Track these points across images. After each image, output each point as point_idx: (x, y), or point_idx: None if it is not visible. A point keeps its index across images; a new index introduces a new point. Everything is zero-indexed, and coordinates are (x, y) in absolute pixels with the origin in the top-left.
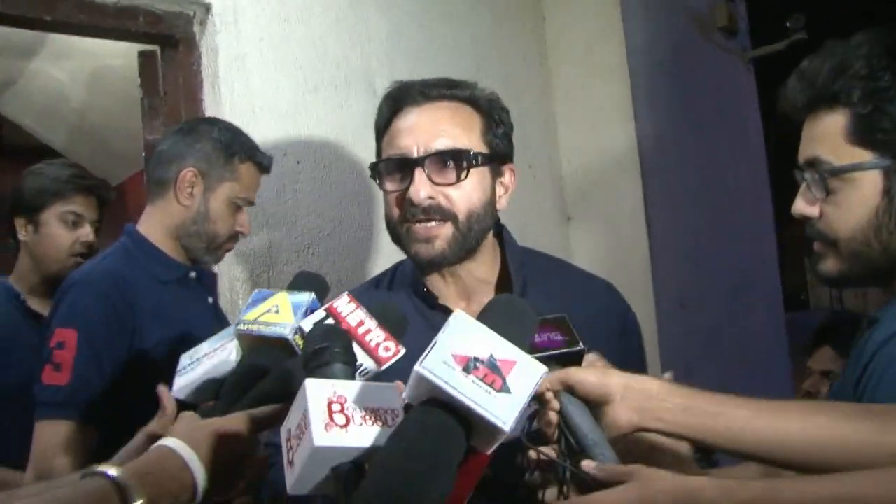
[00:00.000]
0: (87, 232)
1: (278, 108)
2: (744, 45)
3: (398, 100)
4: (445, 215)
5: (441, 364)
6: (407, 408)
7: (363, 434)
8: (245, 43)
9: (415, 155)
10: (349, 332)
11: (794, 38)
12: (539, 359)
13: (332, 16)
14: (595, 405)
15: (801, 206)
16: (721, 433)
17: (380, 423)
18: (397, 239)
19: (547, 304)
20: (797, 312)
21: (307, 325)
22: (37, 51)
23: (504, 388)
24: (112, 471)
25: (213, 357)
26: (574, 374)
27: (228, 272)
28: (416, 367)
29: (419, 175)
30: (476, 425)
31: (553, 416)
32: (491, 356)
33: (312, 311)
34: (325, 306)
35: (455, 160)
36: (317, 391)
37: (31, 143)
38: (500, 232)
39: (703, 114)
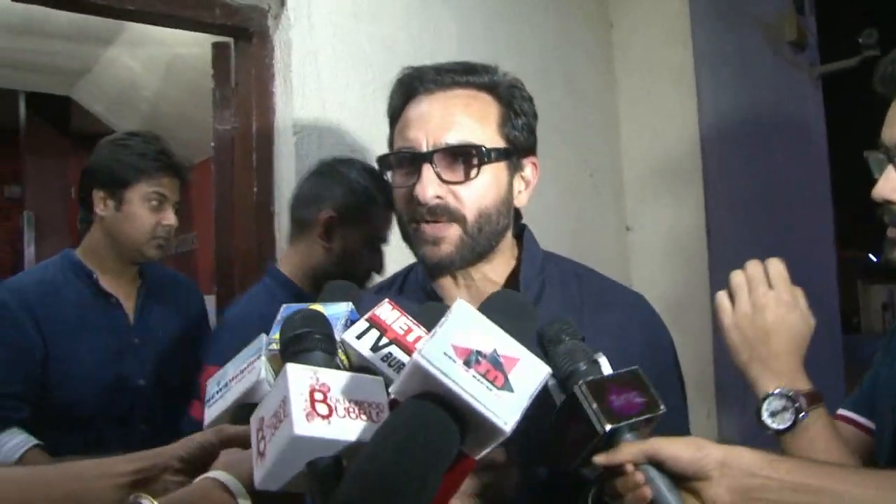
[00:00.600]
0: (169, 215)
1: (347, 103)
2: (813, 59)
3: (410, 86)
4: (453, 216)
5: (441, 355)
6: (392, 404)
7: (346, 427)
8: (317, 38)
9: (423, 149)
10: (397, 341)
11: (866, 54)
12: (620, 427)
13: (403, 14)
14: (685, 482)
15: (886, 189)
16: None
17: (364, 418)
18: (406, 238)
19: (564, 310)
20: (850, 336)
21: (349, 337)
22: (112, 39)
23: (506, 386)
24: None
25: (241, 381)
26: (665, 447)
27: None
28: (414, 356)
29: (427, 172)
30: (472, 425)
31: (639, 500)
32: (494, 351)
33: (352, 323)
34: (367, 315)
35: (466, 156)
36: (298, 377)
37: (101, 130)
38: (522, 233)
39: (768, 127)
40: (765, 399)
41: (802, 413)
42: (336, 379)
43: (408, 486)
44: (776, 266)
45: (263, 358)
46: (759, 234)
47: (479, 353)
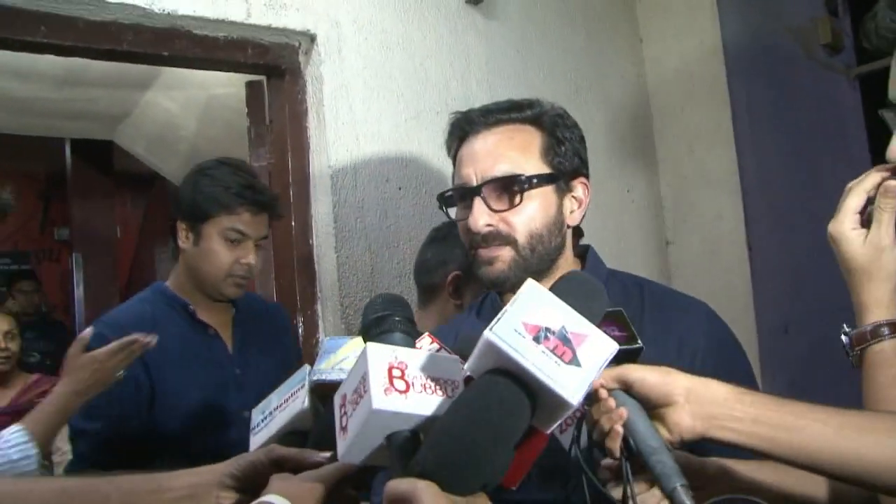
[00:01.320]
0: (248, 253)
1: (381, 134)
2: (848, 61)
3: (460, 129)
4: (505, 240)
5: (511, 332)
6: (467, 381)
7: (423, 402)
8: (348, 71)
9: (473, 183)
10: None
11: None
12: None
13: (433, 43)
14: (653, 407)
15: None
16: (796, 450)
17: (440, 393)
18: (472, 264)
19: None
20: None
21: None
22: (150, 83)
23: (574, 361)
24: None
25: (285, 409)
26: (633, 370)
27: (332, 297)
28: (486, 333)
29: (478, 204)
30: (542, 399)
31: (612, 421)
32: (563, 328)
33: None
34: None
35: (509, 185)
36: (378, 355)
37: (142, 171)
38: (585, 253)
39: (805, 132)
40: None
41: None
42: (414, 357)
43: (480, 455)
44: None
45: (307, 387)
46: (802, 242)
47: (548, 329)
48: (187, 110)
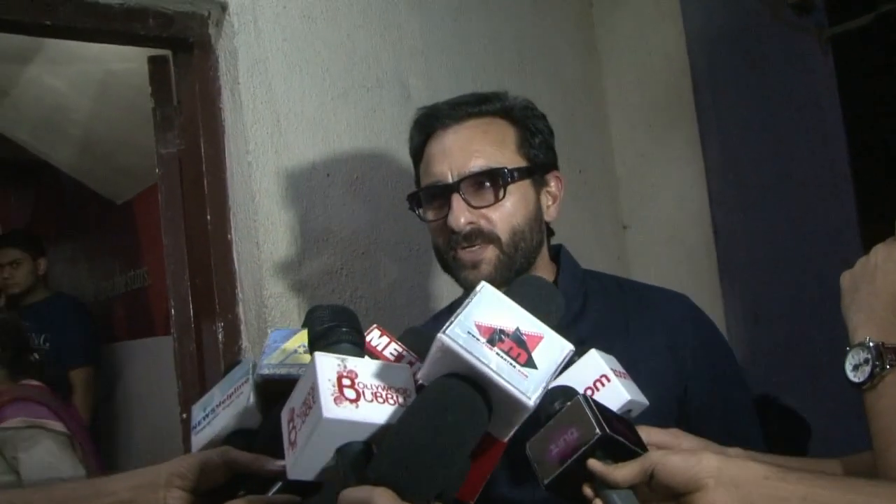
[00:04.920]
0: None
1: (305, 115)
2: (820, 22)
3: (426, 125)
4: (488, 238)
5: (465, 334)
6: (419, 389)
7: (374, 411)
8: (266, 45)
9: (449, 180)
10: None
11: (883, 9)
12: (611, 439)
13: (360, 12)
14: (678, 495)
15: None
16: None
17: (392, 401)
18: (446, 266)
19: (610, 316)
20: None
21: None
22: (30, 57)
23: (529, 363)
24: None
25: (229, 406)
26: (652, 455)
27: (254, 297)
28: (439, 336)
29: (456, 201)
30: (497, 403)
31: None
32: (517, 329)
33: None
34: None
35: (491, 180)
36: (326, 364)
37: (27, 159)
38: (558, 253)
39: (773, 102)
40: (851, 349)
41: (879, 367)
42: (363, 366)
43: (436, 459)
44: None
45: (250, 385)
46: (772, 222)
47: (502, 331)
48: (79, 89)
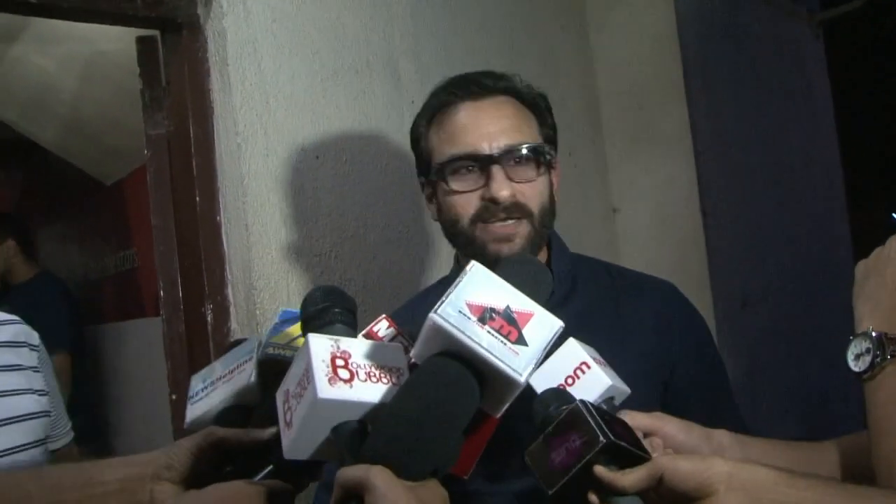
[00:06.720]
0: None
1: (294, 96)
2: (811, 6)
3: (453, 94)
4: (524, 213)
5: (456, 313)
6: (412, 368)
7: (368, 390)
8: (255, 25)
9: (486, 152)
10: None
11: None
12: (613, 445)
13: None
14: (688, 501)
15: None
16: None
17: (385, 381)
18: (466, 240)
19: (601, 299)
20: None
21: None
22: (17, 35)
23: (520, 340)
24: None
25: (230, 381)
26: (661, 460)
27: (244, 279)
28: (430, 315)
29: (498, 173)
30: (489, 380)
31: None
32: (507, 307)
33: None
34: (364, 331)
35: (534, 156)
36: (319, 345)
37: (16, 139)
38: (549, 237)
39: (764, 86)
40: (854, 339)
41: (880, 357)
42: (356, 346)
43: (431, 437)
44: None
45: (255, 360)
46: (762, 206)
47: (493, 309)
48: (67, 69)
